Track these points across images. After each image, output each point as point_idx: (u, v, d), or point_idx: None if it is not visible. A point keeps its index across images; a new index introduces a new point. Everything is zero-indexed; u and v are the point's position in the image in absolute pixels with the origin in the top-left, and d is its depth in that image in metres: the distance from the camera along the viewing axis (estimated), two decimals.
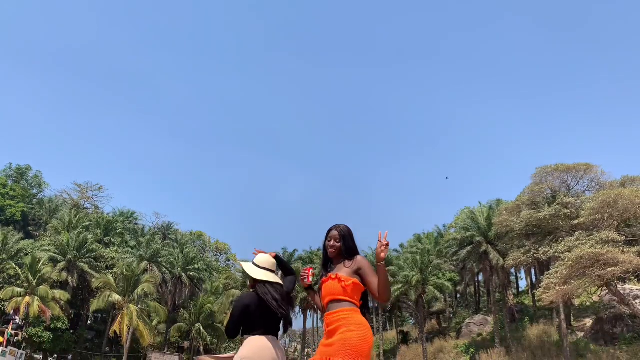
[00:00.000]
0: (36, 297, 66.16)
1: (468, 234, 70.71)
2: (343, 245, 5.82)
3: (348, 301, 5.52)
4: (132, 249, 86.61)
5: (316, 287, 6.04)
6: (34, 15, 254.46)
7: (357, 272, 5.61)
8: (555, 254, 49.77)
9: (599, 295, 62.29)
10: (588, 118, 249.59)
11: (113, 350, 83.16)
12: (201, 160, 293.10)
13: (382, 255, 5.40)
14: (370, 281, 5.52)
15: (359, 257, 5.74)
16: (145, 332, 66.24)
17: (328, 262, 5.95)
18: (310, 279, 5.98)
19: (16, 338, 68.13)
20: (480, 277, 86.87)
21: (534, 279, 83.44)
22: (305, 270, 6.03)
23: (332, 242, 5.83)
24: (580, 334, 62.91)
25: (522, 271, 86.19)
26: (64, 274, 74.58)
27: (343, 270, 5.65)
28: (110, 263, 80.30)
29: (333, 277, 5.61)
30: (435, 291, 71.56)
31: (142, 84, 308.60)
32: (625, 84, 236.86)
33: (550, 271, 49.36)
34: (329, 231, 5.93)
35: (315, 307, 6.10)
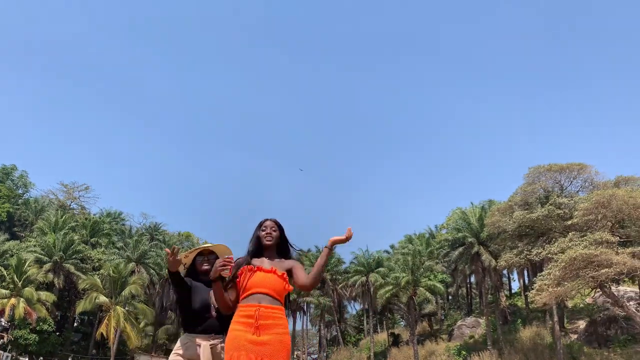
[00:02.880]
0: (22, 299, 65.71)
1: (460, 234, 70.73)
2: (279, 235, 5.75)
3: (281, 304, 5.33)
4: (119, 250, 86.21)
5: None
6: (14, 11, 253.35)
7: (289, 270, 5.49)
8: (548, 255, 49.77)
9: (592, 297, 62.42)
10: (582, 117, 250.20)
11: (100, 352, 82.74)
12: (189, 160, 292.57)
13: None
14: (298, 273, 5.44)
15: (292, 260, 5.66)
16: (132, 334, 65.99)
17: (256, 252, 5.66)
18: (232, 271, 5.37)
19: (1, 340, 67.76)
20: (472, 279, 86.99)
21: (526, 281, 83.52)
22: (229, 258, 5.41)
23: (268, 231, 5.69)
24: (574, 336, 62.98)
25: (515, 272, 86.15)
26: (50, 276, 74.07)
27: (279, 267, 5.47)
28: (97, 264, 79.81)
29: (279, 274, 5.37)
30: (427, 293, 71.51)
31: (129, 82, 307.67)
32: (619, 84, 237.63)
33: (543, 272, 49.34)
34: (262, 222, 5.79)
35: (217, 300, 5.46)
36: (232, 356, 4.89)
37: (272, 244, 5.64)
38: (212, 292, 5.57)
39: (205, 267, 6.08)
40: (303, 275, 5.40)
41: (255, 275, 5.28)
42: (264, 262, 5.47)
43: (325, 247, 5.36)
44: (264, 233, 5.65)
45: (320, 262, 5.29)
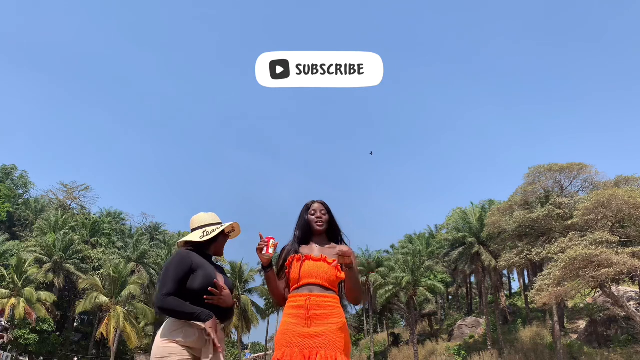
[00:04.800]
0: (22, 299, 65.66)
1: (460, 234, 70.67)
2: (329, 219, 5.28)
3: (335, 292, 4.93)
4: (119, 250, 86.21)
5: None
6: (12, 11, 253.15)
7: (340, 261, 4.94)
8: (549, 255, 49.72)
9: (592, 297, 62.36)
10: (582, 117, 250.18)
11: (100, 352, 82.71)
12: (189, 159, 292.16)
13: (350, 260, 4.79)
14: (349, 275, 4.90)
15: (345, 246, 5.00)
16: (132, 334, 65.87)
17: (304, 239, 5.22)
18: (271, 250, 4.89)
19: (1, 340, 67.75)
20: (473, 279, 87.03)
21: (526, 281, 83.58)
22: (265, 239, 4.94)
23: (318, 214, 5.23)
24: (574, 336, 62.98)
25: (515, 272, 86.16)
26: (50, 275, 74.13)
27: (331, 254, 5.01)
28: (97, 264, 79.85)
29: (330, 262, 4.92)
30: (427, 293, 71.44)
31: (129, 81, 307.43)
32: (619, 84, 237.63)
33: (543, 272, 49.31)
34: (309, 205, 5.35)
35: (271, 292, 5.11)
36: (285, 353, 4.56)
37: (324, 229, 5.22)
38: (216, 272, 4.91)
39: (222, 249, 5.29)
40: (350, 282, 4.93)
41: (304, 265, 4.95)
42: (314, 250, 5.11)
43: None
44: (314, 217, 5.23)
45: (354, 281, 4.92)
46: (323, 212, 5.28)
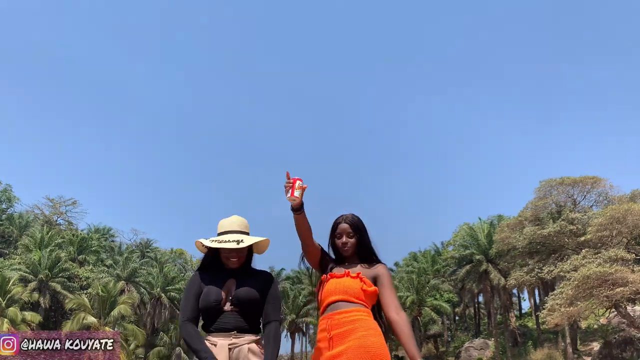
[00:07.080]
0: (5, 320, 65.37)
1: (467, 251, 70.58)
2: (358, 240, 5.09)
3: (362, 304, 4.76)
4: (108, 267, 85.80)
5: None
6: None
7: (375, 280, 4.92)
8: (561, 273, 49.66)
9: (607, 318, 62.24)
10: (596, 129, 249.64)
11: None
12: (182, 173, 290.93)
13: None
14: (385, 293, 4.84)
15: (380, 265, 5.07)
16: (122, 356, 65.62)
17: (337, 260, 5.15)
18: (296, 192, 4.83)
19: None
20: (481, 298, 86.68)
21: (537, 300, 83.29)
22: (290, 180, 4.88)
23: (344, 239, 5.05)
24: (587, 359, 62.79)
25: (525, 291, 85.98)
26: (35, 295, 73.81)
27: (363, 272, 4.93)
28: (85, 283, 79.52)
29: (353, 275, 4.86)
30: (432, 313, 71.36)
31: (118, 91, 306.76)
32: (635, 93, 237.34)
33: (555, 292, 49.29)
34: (336, 225, 5.17)
35: (300, 237, 5.00)
36: None
37: (351, 252, 5.07)
38: (229, 282, 4.70)
39: (233, 260, 4.77)
40: (390, 300, 4.83)
41: (327, 285, 4.89)
42: (347, 268, 4.99)
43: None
44: (339, 242, 5.08)
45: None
46: (350, 234, 5.10)
